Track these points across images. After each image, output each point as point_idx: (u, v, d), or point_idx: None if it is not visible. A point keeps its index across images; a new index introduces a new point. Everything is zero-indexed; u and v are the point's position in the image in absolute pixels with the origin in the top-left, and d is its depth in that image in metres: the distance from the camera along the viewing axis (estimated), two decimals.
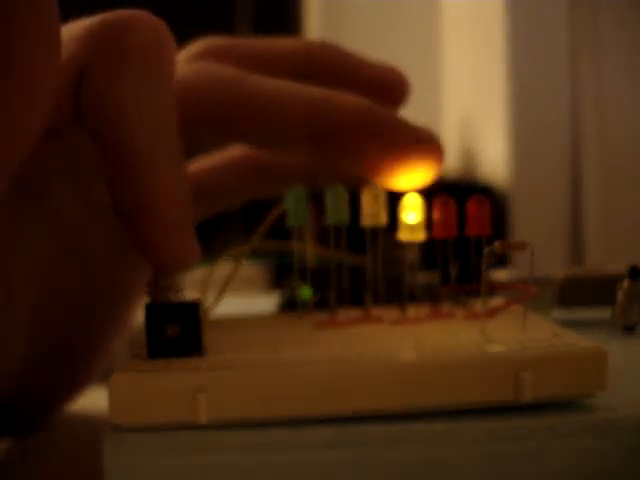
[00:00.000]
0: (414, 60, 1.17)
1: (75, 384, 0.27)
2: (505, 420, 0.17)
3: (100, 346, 0.27)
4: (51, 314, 0.25)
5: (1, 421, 0.26)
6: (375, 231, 0.24)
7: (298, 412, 0.17)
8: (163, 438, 0.17)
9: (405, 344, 0.20)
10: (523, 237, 1.25)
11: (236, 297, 0.28)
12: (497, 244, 0.20)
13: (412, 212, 0.23)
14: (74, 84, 0.21)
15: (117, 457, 0.17)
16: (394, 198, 0.24)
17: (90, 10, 0.22)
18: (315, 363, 0.18)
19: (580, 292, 0.29)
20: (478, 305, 0.23)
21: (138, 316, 0.26)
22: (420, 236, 0.23)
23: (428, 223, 0.23)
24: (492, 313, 0.22)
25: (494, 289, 0.25)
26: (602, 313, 0.27)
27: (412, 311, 0.23)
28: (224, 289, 0.23)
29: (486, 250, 0.20)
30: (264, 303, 0.33)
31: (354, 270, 0.24)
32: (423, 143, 0.24)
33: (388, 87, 0.29)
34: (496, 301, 0.23)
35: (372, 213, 0.23)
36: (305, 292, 0.25)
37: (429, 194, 0.24)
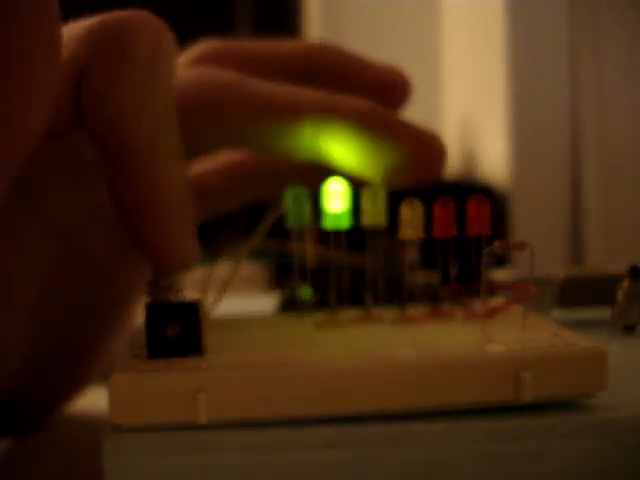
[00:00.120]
0: (414, 60, 1.17)
1: (75, 384, 0.27)
2: (505, 420, 0.17)
3: (100, 346, 0.27)
4: (51, 314, 0.25)
5: (1, 421, 0.26)
6: (375, 231, 0.24)
7: (298, 412, 0.17)
8: (163, 438, 0.17)
9: (405, 344, 0.20)
10: (523, 237, 1.25)
11: (236, 297, 0.28)
12: (497, 244, 0.20)
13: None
14: (74, 85, 0.21)
15: (117, 457, 0.17)
16: (394, 198, 0.24)
17: (90, 10, 0.22)
18: (315, 363, 0.18)
19: (580, 292, 0.29)
20: (478, 305, 0.23)
21: (138, 316, 0.26)
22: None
23: (428, 223, 0.23)
24: (492, 313, 0.22)
25: (494, 289, 0.25)
26: (602, 313, 0.27)
27: (412, 311, 0.23)
28: (224, 289, 0.23)
29: (486, 250, 0.20)
30: (264, 303, 0.33)
31: (354, 270, 0.24)
32: (425, 145, 0.24)
33: (390, 87, 0.29)
34: (496, 301, 0.23)
35: (372, 213, 0.23)
36: (305, 292, 0.25)
37: (429, 194, 0.24)
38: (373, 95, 0.27)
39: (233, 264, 0.24)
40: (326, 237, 0.24)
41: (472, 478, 0.17)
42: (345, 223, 0.23)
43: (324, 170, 0.26)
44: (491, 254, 0.20)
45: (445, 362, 0.18)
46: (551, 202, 1.36)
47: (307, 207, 0.24)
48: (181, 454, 0.17)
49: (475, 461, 0.17)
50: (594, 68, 1.35)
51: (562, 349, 0.18)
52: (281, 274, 0.30)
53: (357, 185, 0.24)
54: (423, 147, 0.25)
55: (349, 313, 0.23)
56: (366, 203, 0.23)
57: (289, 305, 0.29)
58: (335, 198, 0.24)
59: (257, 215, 0.25)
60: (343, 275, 0.24)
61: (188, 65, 0.27)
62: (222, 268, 0.24)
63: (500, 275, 0.30)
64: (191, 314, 0.19)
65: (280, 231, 0.25)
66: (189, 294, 0.20)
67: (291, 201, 0.24)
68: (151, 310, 0.19)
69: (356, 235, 0.24)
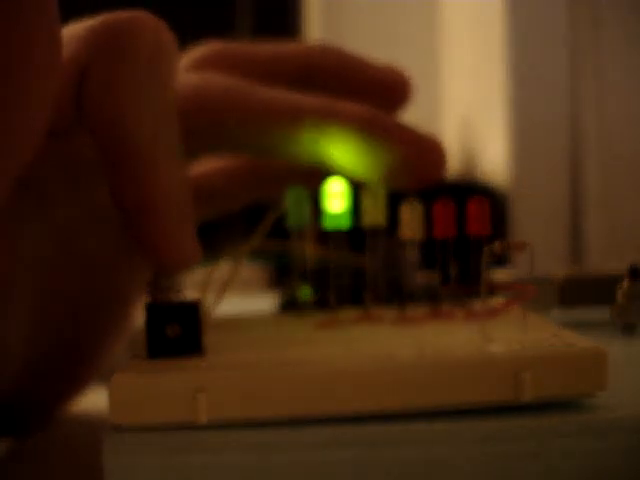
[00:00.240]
0: (414, 60, 1.17)
1: (75, 384, 0.27)
2: (505, 420, 0.17)
3: (100, 346, 0.27)
4: (51, 314, 0.25)
5: (1, 421, 0.26)
6: (375, 231, 0.24)
7: (298, 412, 0.17)
8: (163, 438, 0.17)
9: (405, 344, 0.20)
10: (523, 237, 1.25)
11: (236, 297, 0.28)
12: (497, 244, 0.20)
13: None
14: (75, 84, 0.21)
15: (117, 457, 0.17)
16: (394, 198, 0.24)
17: (91, 11, 0.22)
18: (315, 363, 0.18)
19: (580, 292, 0.29)
20: (478, 305, 0.23)
21: (138, 316, 0.26)
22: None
23: (428, 223, 0.23)
24: (492, 313, 0.22)
25: (494, 289, 0.25)
26: (602, 313, 0.27)
27: (412, 311, 0.23)
28: (224, 289, 0.23)
29: (486, 250, 0.20)
30: (264, 303, 0.33)
31: (354, 270, 0.24)
32: (426, 149, 0.24)
33: (391, 88, 0.29)
34: (496, 301, 0.23)
35: (372, 213, 0.23)
36: (305, 292, 0.25)
37: (429, 194, 0.24)
38: (374, 96, 0.27)
39: (233, 264, 0.24)
40: (326, 237, 0.24)
41: (472, 478, 0.17)
42: (345, 223, 0.23)
43: (324, 171, 0.26)
44: (491, 254, 0.20)
45: (445, 362, 0.18)
46: (551, 202, 1.36)
47: (307, 207, 0.24)
48: (181, 454, 0.17)
49: (475, 461, 0.17)
50: (594, 68, 1.35)
51: (562, 349, 0.18)
52: (281, 274, 0.30)
53: (357, 185, 0.24)
54: (423, 152, 0.25)
55: (349, 313, 0.23)
56: (366, 203, 0.23)
57: (289, 305, 0.29)
58: (335, 198, 0.24)
59: (257, 215, 0.25)
60: (343, 275, 0.24)
61: (189, 69, 0.27)
62: (222, 268, 0.24)
63: (500, 275, 0.30)
64: (191, 314, 0.19)
65: (280, 231, 0.25)
66: (189, 294, 0.20)
67: (291, 201, 0.24)
68: (151, 310, 0.19)
69: (356, 235, 0.24)
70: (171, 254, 0.20)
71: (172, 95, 0.21)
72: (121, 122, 0.20)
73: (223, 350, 0.20)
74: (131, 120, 0.20)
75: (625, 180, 1.34)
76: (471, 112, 1.58)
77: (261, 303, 0.34)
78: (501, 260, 0.23)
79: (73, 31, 0.21)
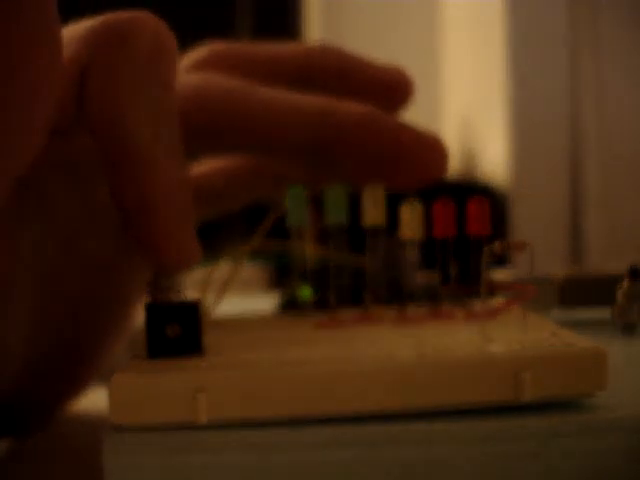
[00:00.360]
0: (414, 60, 1.17)
1: (75, 384, 0.27)
2: (505, 420, 0.17)
3: (100, 346, 0.27)
4: (51, 314, 0.25)
5: (1, 421, 0.26)
6: (375, 231, 0.24)
7: (298, 412, 0.17)
8: (163, 438, 0.17)
9: (405, 344, 0.20)
10: (523, 237, 1.25)
11: (236, 297, 0.28)
12: (497, 244, 0.20)
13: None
14: (76, 84, 0.21)
15: (117, 457, 0.17)
16: (394, 198, 0.24)
17: (91, 11, 0.22)
18: (315, 363, 0.18)
19: (580, 292, 0.29)
20: (478, 305, 0.23)
21: (138, 316, 0.26)
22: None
23: (428, 223, 0.23)
24: (492, 313, 0.22)
25: (494, 289, 0.25)
26: (602, 313, 0.27)
27: (412, 311, 0.23)
28: (224, 289, 0.23)
29: (486, 250, 0.20)
30: (264, 303, 0.33)
31: (354, 270, 0.24)
32: (427, 148, 0.24)
33: (392, 87, 0.29)
34: (496, 301, 0.23)
35: (372, 213, 0.23)
36: (305, 292, 0.25)
37: (429, 194, 0.24)
38: (374, 96, 0.27)
39: (233, 264, 0.24)
40: (326, 237, 0.24)
41: (472, 478, 0.17)
42: (344, 219, 0.23)
43: (324, 171, 0.26)
44: (491, 254, 0.20)
45: (445, 362, 0.18)
46: (551, 202, 1.36)
47: (306, 207, 0.24)
48: (181, 454, 0.17)
49: (475, 461, 0.17)
50: (594, 68, 1.35)
51: (562, 349, 0.18)
52: (281, 274, 0.30)
53: (357, 185, 0.24)
54: (425, 150, 0.25)
55: (349, 313, 0.23)
56: (366, 203, 0.23)
57: (289, 305, 0.29)
58: (335, 198, 0.24)
59: (257, 215, 0.25)
60: (343, 275, 0.24)
61: (189, 69, 0.27)
62: (222, 268, 0.24)
63: (500, 275, 0.30)
64: (191, 314, 0.19)
65: (280, 231, 0.25)
66: (189, 294, 0.20)
67: (291, 201, 0.24)
68: (151, 310, 0.19)
69: (356, 235, 0.24)
70: (171, 254, 0.20)
71: (172, 95, 0.21)
72: (121, 122, 0.20)
73: (223, 350, 0.20)
74: (131, 120, 0.20)
75: (625, 180, 1.34)
76: (471, 112, 1.58)
77: (261, 303, 0.34)
78: (501, 260, 0.23)
79: (73, 31, 0.21)
